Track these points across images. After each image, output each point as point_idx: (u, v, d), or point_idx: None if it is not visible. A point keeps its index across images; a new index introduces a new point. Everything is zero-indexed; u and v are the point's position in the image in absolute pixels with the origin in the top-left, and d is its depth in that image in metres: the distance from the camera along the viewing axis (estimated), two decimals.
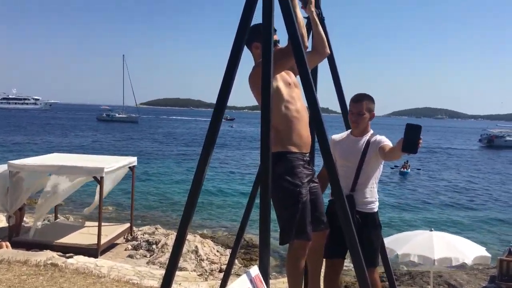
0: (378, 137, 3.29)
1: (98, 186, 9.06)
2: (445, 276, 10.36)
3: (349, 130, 3.43)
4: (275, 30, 2.90)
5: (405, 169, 29.14)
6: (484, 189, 25.63)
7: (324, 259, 3.29)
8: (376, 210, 3.35)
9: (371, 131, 3.35)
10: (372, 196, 3.30)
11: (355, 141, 3.30)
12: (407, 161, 29.65)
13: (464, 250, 6.77)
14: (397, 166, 29.11)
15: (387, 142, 3.22)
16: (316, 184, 3.08)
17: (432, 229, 7.52)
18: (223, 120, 2.75)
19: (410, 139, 2.69)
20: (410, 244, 6.93)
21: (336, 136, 3.47)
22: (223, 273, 3.92)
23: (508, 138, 59.79)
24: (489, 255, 7.13)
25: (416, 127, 2.69)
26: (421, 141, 2.70)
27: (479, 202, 21.68)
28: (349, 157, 3.26)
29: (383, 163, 3.35)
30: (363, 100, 3.27)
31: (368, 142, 3.27)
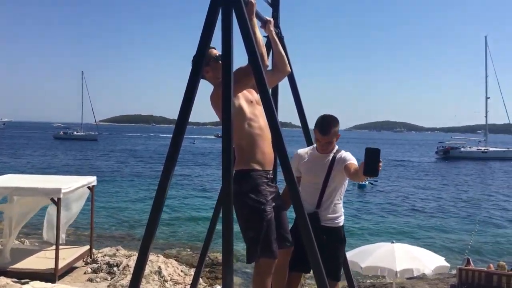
0: (344, 154, 3.32)
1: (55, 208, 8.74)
2: (408, 287, 10.57)
3: (314, 146, 3.46)
4: (214, 47, 2.95)
5: (363, 182, 29.61)
6: (438, 199, 26.39)
7: None
8: (341, 224, 3.40)
9: (336, 147, 3.40)
10: (337, 211, 3.34)
11: (321, 158, 3.33)
12: None
13: (425, 261, 6.95)
14: None
15: (352, 161, 3.26)
16: (279, 202, 3.08)
17: (394, 241, 7.70)
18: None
19: (370, 163, 2.74)
20: (373, 257, 7.06)
21: (302, 151, 3.48)
22: None
23: (462, 149, 62.11)
24: (448, 264, 7.37)
25: (375, 151, 2.73)
26: (381, 164, 2.75)
27: (434, 212, 22.29)
28: (315, 174, 3.29)
29: (347, 178, 3.39)
30: (331, 130, 3.27)
31: (334, 158, 3.30)
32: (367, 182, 30.01)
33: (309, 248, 2.50)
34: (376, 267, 6.96)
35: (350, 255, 7.16)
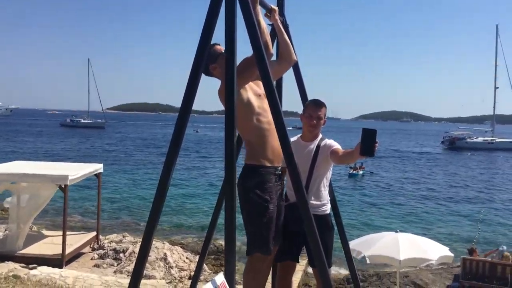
0: (328, 141, 3.38)
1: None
2: (412, 276, 10.61)
3: (299, 135, 3.48)
4: (219, 44, 2.94)
5: (355, 171, 28.99)
6: (442, 190, 26.24)
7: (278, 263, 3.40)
8: (328, 212, 3.46)
9: (320, 136, 3.44)
10: (323, 199, 3.40)
11: (305, 146, 3.37)
12: (362, 163, 29.65)
13: (429, 250, 6.97)
14: (351, 167, 28.80)
15: (338, 146, 3.34)
16: (282, 202, 3.11)
17: (398, 230, 7.72)
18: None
19: (367, 143, 2.80)
20: (376, 246, 7.09)
21: None
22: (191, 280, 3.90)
23: (468, 140, 61.69)
24: (452, 254, 7.38)
25: (372, 132, 2.80)
26: (377, 144, 2.80)
27: (438, 202, 22.22)
28: (300, 163, 3.31)
29: (332, 165, 3.43)
30: (322, 106, 3.37)
31: (318, 146, 3.36)
32: (361, 172, 29.62)
33: (314, 246, 2.55)
34: (380, 256, 6.99)
35: (354, 243, 7.20)
